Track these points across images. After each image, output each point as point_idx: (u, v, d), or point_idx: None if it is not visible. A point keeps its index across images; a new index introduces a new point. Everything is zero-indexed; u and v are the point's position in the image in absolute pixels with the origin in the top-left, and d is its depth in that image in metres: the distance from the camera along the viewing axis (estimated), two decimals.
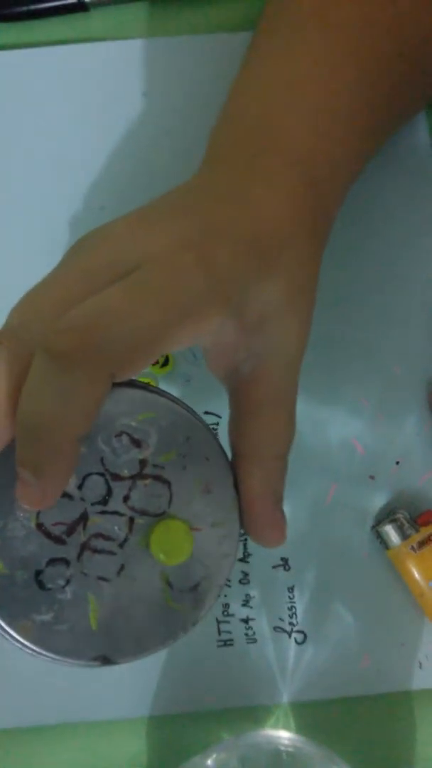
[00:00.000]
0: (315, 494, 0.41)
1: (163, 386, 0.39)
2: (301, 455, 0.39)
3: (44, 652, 0.29)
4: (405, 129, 0.44)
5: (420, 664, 0.40)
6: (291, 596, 0.40)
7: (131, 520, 0.30)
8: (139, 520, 0.30)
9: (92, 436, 0.29)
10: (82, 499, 0.29)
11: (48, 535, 0.29)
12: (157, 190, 0.33)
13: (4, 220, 0.43)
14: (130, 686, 0.39)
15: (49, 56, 0.45)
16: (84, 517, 0.29)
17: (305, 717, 0.39)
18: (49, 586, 0.29)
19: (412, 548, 0.39)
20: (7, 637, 0.29)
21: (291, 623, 0.40)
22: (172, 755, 0.39)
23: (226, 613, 0.40)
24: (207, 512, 0.30)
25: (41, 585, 0.29)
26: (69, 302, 0.28)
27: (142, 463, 0.30)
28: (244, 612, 0.40)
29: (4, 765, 0.39)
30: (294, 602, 0.40)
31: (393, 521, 0.39)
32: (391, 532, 0.39)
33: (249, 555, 0.41)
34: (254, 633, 0.40)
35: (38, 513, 0.29)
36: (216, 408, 0.41)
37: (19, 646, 0.29)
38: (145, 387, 0.30)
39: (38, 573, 0.29)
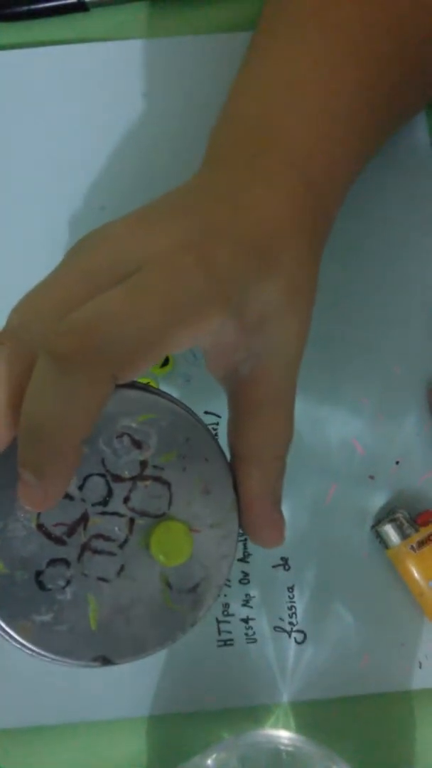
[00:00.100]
0: (315, 494, 0.41)
1: (163, 386, 0.39)
2: (301, 455, 0.39)
3: (44, 653, 0.29)
4: (405, 129, 0.44)
5: (420, 663, 0.40)
6: (291, 596, 0.40)
7: (131, 521, 0.30)
8: (140, 521, 0.30)
9: (93, 437, 0.29)
10: (83, 500, 0.29)
11: (48, 535, 0.29)
12: (158, 190, 0.33)
13: (5, 220, 0.43)
14: (130, 686, 0.39)
15: (49, 56, 0.45)
16: (84, 518, 0.29)
17: (305, 717, 0.39)
18: (49, 586, 0.29)
19: (412, 548, 0.39)
20: (7, 637, 0.29)
21: (291, 623, 0.40)
22: (172, 755, 0.39)
23: (226, 613, 0.40)
24: (206, 513, 0.30)
25: (41, 585, 0.29)
26: (69, 303, 0.28)
27: (143, 464, 0.30)
28: (244, 612, 0.40)
29: (4, 765, 0.39)
30: (294, 602, 0.40)
31: (393, 521, 0.39)
32: (390, 532, 0.39)
33: (249, 555, 0.41)
34: (254, 633, 0.40)
35: (39, 513, 0.29)
36: (216, 408, 0.41)
37: (19, 646, 0.29)
38: (146, 388, 0.30)
39: (38, 573, 0.29)
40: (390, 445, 0.41)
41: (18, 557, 0.29)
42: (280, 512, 0.32)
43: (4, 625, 0.29)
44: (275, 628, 0.40)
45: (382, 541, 0.40)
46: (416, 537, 0.39)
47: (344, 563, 0.40)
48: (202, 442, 0.30)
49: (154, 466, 0.30)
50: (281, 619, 0.40)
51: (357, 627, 0.40)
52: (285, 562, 0.41)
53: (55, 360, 0.26)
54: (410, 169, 0.44)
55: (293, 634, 0.40)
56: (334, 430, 0.42)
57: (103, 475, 0.30)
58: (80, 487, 0.29)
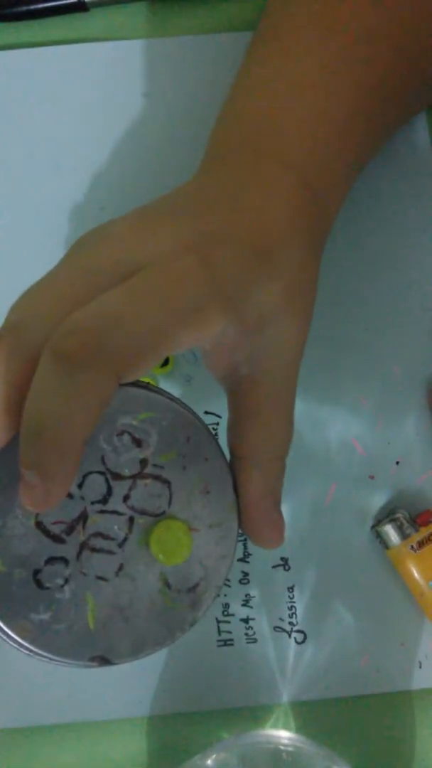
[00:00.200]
0: (315, 494, 0.41)
1: (163, 386, 0.39)
2: (301, 455, 0.39)
3: (41, 652, 0.29)
4: (405, 129, 0.44)
5: (420, 663, 0.40)
6: (291, 596, 0.40)
7: (131, 519, 0.30)
8: (139, 520, 0.30)
9: (94, 434, 0.29)
10: (82, 498, 0.29)
11: (47, 533, 0.29)
12: (158, 191, 0.33)
13: (4, 220, 0.43)
14: (130, 686, 0.39)
15: (49, 56, 0.45)
16: (84, 516, 0.29)
17: (305, 717, 0.39)
18: (48, 585, 0.29)
19: (412, 548, 0.39)
20: (5, 637, 0.29)
21: (291, 623, 0.40)
22: (172, 755, 0.39)
23: (226, 613, 0.40)
24: (206, 513, 0.30)
25: (39, 584, 0.29)
26: (69, 301, 0.28)
27: (143, 462, 0.30)
28: (244, 612, 0.40)
29: (4, 765, 0.39)
30: (294, 602, 0.40)
31: (393, 521, 0.39)
32: (390, 532, 0.39)
33: (249, 555, 0.41)
34: (254, 633, 0.40)
35: None
36: (216, 408, 0.41)
37: (16, 646, 0.29)
38: (147, 386, 0.30)
39: (37, 572, 0.29)
40: (390, 445, 0.41)
41: (16, 555, 0.29)
42: (279, 513, 0.32)
43: (1, 624, 0.29)
44: (275, 628, 0.40)
45: (382, 541, 0.40)
46: (416, 537, 0.39)
47: (344, 563, 0.40)
48: (202, 442, 0.30)
49: (154, 465, 0.30)
50: (281, 619, 0.40)
51: (357, 627, 0.40)
52: (285, 562, 0.41)
53: (59, 360, 0.26)
54: (410, 169, 0.44)
55: (293, 634, 0.40)
56: (334, 430, 0.42)
57: (102, 473, 0.30)
58: (80, 485, 0.29)
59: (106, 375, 0.26)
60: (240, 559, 0.40)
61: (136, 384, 0.30)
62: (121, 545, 0.30)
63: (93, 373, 0.26)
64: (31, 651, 0.29)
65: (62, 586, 0.29)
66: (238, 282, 0.29)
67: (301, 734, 0.39)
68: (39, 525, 0.29)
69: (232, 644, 0.40)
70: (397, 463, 0.41)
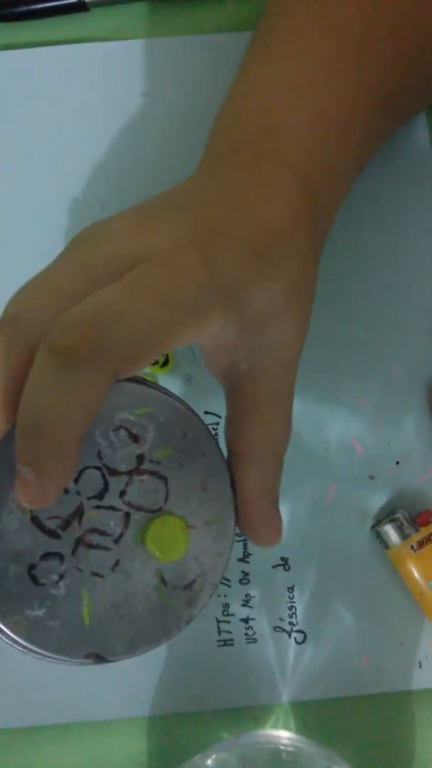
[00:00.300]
0: (315, 494, 0.41)
1: (163, 385, 0.39)
2: (301, 455, 0.39)
3: (36, 649, 0.29)
4: (405, 129, 0.44)
5: (420, 663, 0.40)
6: (291, 596, 0.40)
7: (127, 515, 0.30)
8: (135, 516, 0.30)
9: (90, 429, 0.29)
10: (78, 493, 0.29)
11: (42, 528, 0.29)
12: (157, 190, 0.33)
13: (4, 219, 0.43)
14: (130, 686, 0.39)
15: (49, 56, 0.45)
16: (79, 512, 0.29)
17: (305, 717, 0.39)
18: (43, 580, 0.29)
19: (412, 548, 0.39)
20: None
21: (291, 623, 0.40)
22: (172, 755, 0.39)
23: (226, 613, 0.40)
24: (203, 510, 0.30)
25: (34, 579, 0.29)
26: (68, 295, 0.28)
27: (140, 458, 0.30)
28: (244, 612, 0.40)
29: (4, 765, 0.39)
30: (294, 602, 0.40)
31: (393, 521, 0.39)
32: (390, 532, 0.39)
33: (249, 555, 0.41)
34: (254, 633, 0.40)
35: None
36: (216, 408, 0.41)
37: (10, 642, 0.29)
38: (144, 382, 0.30)
39: (31, 567, 0.29)
40: (390, 445, 0.41)
41: (11, 550, 0.29)
42: (277, 511, 0.32)
43: None
44: (275, 628, 0.40)
45: (382, 541, 0.40)
46: (416, 537, 0.39)
47: (344, 563, 0.40)
48: (199, 438, 0.30)
49: (151, 461, 0.30)
50: (281, 619, 0.40)
51: (357, 627, 0.40)
52: (285, 562, 0.41)
53: (56, 355, 0.26)
54: (410, 169, 0.44)
55: (293, 634, 0.40)
56: (334, 430, 0.42)
57: (99, 469, 0.29)
58: (76, 480, 0.29)
59: (103, 371, 0.26)
60: (240, 559, 0.40)
61: (134, 379, 0.30)
62: (117, 541, 0.30)
63: (90, 369, 0.26)
64: (25, 648, 0.29)
65: (57, 582, 0.29)
66: (238, 280, 0.29)
67: (301, 734, 0.39)
68: (34, 520, 0.29)
69: (232, 644, 0.40)
70: (397, 463, 0.41)
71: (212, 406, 0.41)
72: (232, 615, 0.40)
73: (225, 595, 0.40)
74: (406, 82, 0.39)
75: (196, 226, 0.30)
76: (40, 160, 0.44)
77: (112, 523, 0.30)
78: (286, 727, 0.39)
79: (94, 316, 0.27)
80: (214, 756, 0.36)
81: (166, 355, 0.41)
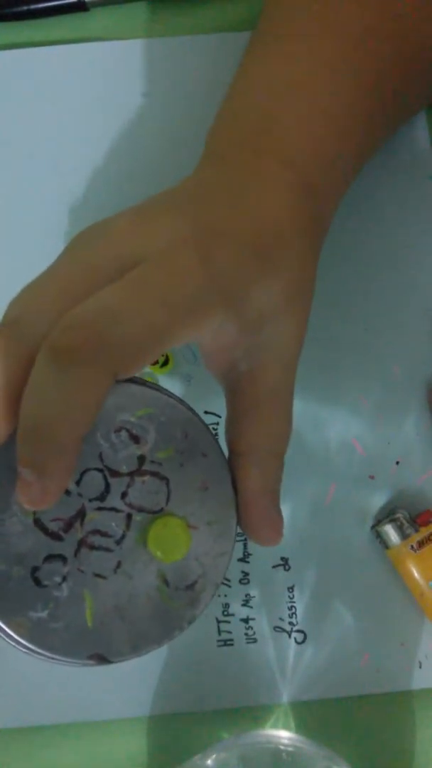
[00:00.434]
0: (315, 494, 0.41)
1: (163, 385, 0.39)
2: (301, 455, 0.39)
3: (39, 651, 0.29)
4: (405, 129, 0.44)
5: (420, 663, 0.40)
6: (291, 596, 0.40)
7: (129, 516, 0.30)
8: (137, 517, 0.30)
9: (91, 431, 0.29)
10: (80, 495, 0.29)
11: (45, 530, 0.29)
12: (158, 190, 0.33)
13: (4, 220, 0.43)
14: (130, 686, 0.39)
15: (49, 56, 0.45)
16: (81, 513, 0.29)
17: (305, 717, 0.39)
18: (46, 582, 0.29)
19: (412, 548, 0.39)
20: (2, 635, 0.29)
21: (291, 623, 0.40)
22: (172, 755, 0.39)
23: (226, 613, 0.40)
24: (204, 510, 0.30)
25: (37, 581, 0.29)
26: (69, 296, 0.28)
27: (141, 459, 0.30)
28: (244, 612, 0.40)
29: (4, 765, 0.39)
30: (294, 602, 0.40)
31: (393, 521, 0.39)
32: (390, 532, 0.39)
33: (249, 555, 0.41)
34: (254, 633, 0.40)
35: None
36: (216, 408, 0.41)
37: (14, 644, 0.29)
38: (145, 383, 0.30)
39: (35, 569, 0.29)
40: (390, 445, 0.41)
41: (14, 553, 0.29)
42: (278, 510, 0.32)
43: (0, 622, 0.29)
44: (275, 628, 0.40)
45: (382, 541, 0.40)
46: (416, 537, 0.39)
47: (344, 563, 0.40)
48: (200, 439, 0.30)
49: (152, 462, 0.30)
50: (281, 619, 0.40)
51: (357, 627, 0.40)
52: (285, 562, 0.41)
53: (56, 357, 0.26)
54: (410, 169, 0.44)
55: (293, 634, 0.40)
56: (334, 430, 0.42)
57: (100, 470, 0.29)
58: (77, 482, 0.29)
59: (103, 371, 0.26)
60: (240, 559, 0.40)
61: (134, 380, 0.30)
62: (119, 542, 0.30)
63: (90, 370, 0.26)
64: (28, 649, 0.29)
65: (60, 584, 0.29)
66: (237, 280, 0.29)
67: (301, 734, 0.39)
68: (37, 522, 0.29)
69: (232, 644, 0.40)
70: (397, 463, 0.41)
71: (212, 406, 0.41)
72: (232, 615, 0.40)
73: (225, 595, 0.40)
74: (406, 82, 0.39)
75: (195, 225, 0.30)
76: (40, 160, 0.44)
77: (113, 524, 0.30)
78: (286, 727, 0.39)
79: (94, 316, 0.27)
80: (214, 756, 0.36)
81: (166, 355, 0.41)
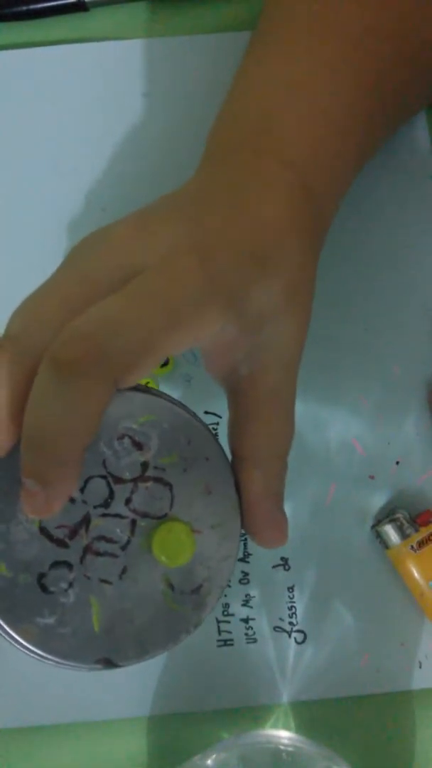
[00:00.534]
0: (315, 494, 0.41)
1: (163, 387, 0.39)
2: (301, 455, 0.39)
3: (47, 656, 0.29)
4: (405, 129, 0.44)
5: (420, 663, 0.40)
6: (291, 596, 0.40)
7: (133, 522, 0.30)
8: (141, 523, 0.30)
9: (94, 439, 0.29)
10: (84, 502, 0.29)
11: (50, 538, 0.29)
12: (158, 190, 0.33)
13: (4, 220, 0.43)
14: (130, 686, 0.39)
15: (49, 56, 0.45)
16: (86, 520, 0.29)
17: (305, 717, 0.39)
18: (52, 589, 0.29)
19: (412, 548, 0.39)
20: (11, 640, 0.29)
21: (291, 623, 0.40)
22: (172, 755, 0.39)
23: (226, 613, 0.40)
24: (208, 514, 0.30)
25: (44, 588, 0.29)
26: (71, 308, 0.28)
27: (144, 465, 0.30)
28: (244, 612, 0.40)
29: (4, 765, 0.39)
30: (294, 602, 0.40)
31: (393, 521, 0.39)
32: (390, 532, 0.39)
33: (249, 555, 0.41)
34: (254, 633, 0.40)
35: None
36: (216, 408, 0.41)
37: (23, 650, 0.29)
38: (146, 389, 0.30)
39: (41, 576, 0.29)
40: (390, 445, 0.41)
41: (21, 560, 0.29)
42: (282, 512, 0.32)
43: (8, 628, 0.29)
44: (275, 628, 0.40)
45: (382, 541, 0.40)
46: (416, 537, 0.39)
47: (344, 563, 0.40)
48: (203, 443, 0.30)
49: (156, 467, 0.30)
50: (281, 619, 0.40)
51: (357, 627, 0.40)
52: (285, 562, 0.41)
53: (57, 368, 0.26)
54: (410, 169, 0.44)
55: (293, 634, 0.40)
56: (334, 430, 0.42)
57: (104, 477, 0.29)
58: (82, 489, 0.29)
59: (105, 381, 0.26)
60: (240, 559, 0.40)
61: (136, 387, 0.30)
62: (124, 548, 0.30)
63: (92, 380, 0.26)
64: (37, 655, 0.29)
65: (66, 590, 0.29)
66: (237, 281, 0.29)
67: (301, 734, 0.39)
68: (42, 530, 0.29)
69: (232, 644, 0.40)
70: (397, 463, 0.41)
71: (212, 406, 0.41)
72: (232, 615, 0.40)
73: (225, 595, 0.40)
74: (406, 82, 0.39)
75: (195, 230, 0.30)
76: (40, 160, 0.44)
77: (118, 530, 0.30)
78: (286, 727, 0.39)
79: (94, 327, 0.27)
80: (214, 756, 0.36)
81: (166, 358, 0.41)
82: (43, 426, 0.26)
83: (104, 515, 0.30)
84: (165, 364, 0.41)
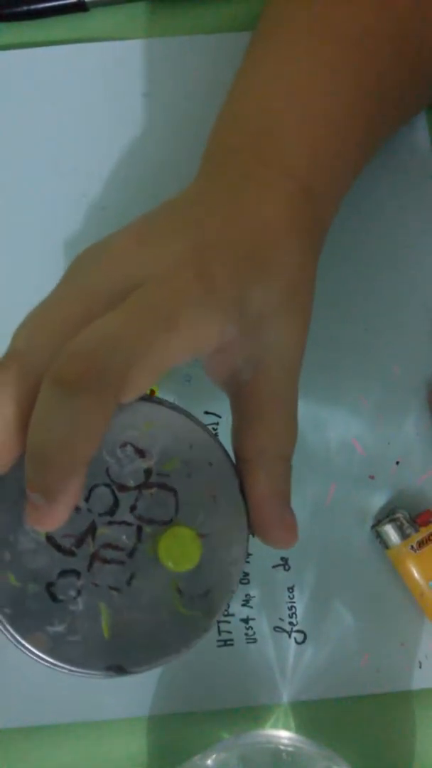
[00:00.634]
0: (315, 494, 0.41)
1: (163, 387, 0.39)
2: (301, 455, 0.39)
3: (59, 664, 0.30)
4: (405, 129, 0.44)
5: (420, 663, 0.40)
6: (291, 596, 0.40)
7: (139, 529, 0.30)
8: (147, 529, 0.30)
9: (97, 448, 0.29)
10: (90, 511, 0.30)
11: (58, 547, 0.29)
12: (158, 190, 0.33)
13: (4, 220, 0.43)
14: (130, 686, 0.39)
15: (49, 56, 0.45)
16: (92, 528, 0.30)
17: (305, 717, 0.39)
18: (61, 597, 0.29)
19: (412, 548, 0.39)
20: (23, 649, 0.29)
21: (291, 623, 0.40)
22: (172, 755, 0.39)
23: (226, 613, 0.40)
24: (214, 518, 0.31)
25: (53, 597, 0.29)
26: (71, 325, 0.28)
27: (147, 472, 0.30)
28: (244, 612, 0.40)
29: (4, 765, 0.39)
30: (294, 602, 0.40)
31: (393, 521, 0.39)
32: (390, 532, 0.39)
33: (249, 555, 0.40)
34: (254, 633, 0.40)
35: None
36: (216, 408, 0.41)
37: (35, 658, 0.30)
38: (147, 397, 0.30)
39: (50, 585, 0.29)
40: (390, 445, 0.41)
41: (29, 570, 0.29)
42: (290, 512, 0.32)
43: (19, 637, 0.29)
44: (275, 628, 0.40)
45: (382, 541, 0.40)
46: (416, 537, 0.39)
47: (344, 563, 0.40)
48: (205, 448, 0.31)
49: (159, 474, 0.30)
50: (281, 619, 0.40)
51: (357, 627, 0.40)
52: (285, 562, 0.41)
53: (60, 385, 0.26)
54: (410, 170, 0.44)
55: (293, 634, 0.40)
56: (334, 430, 0.42)
57: (108, 485, 0.30)
58: (86, 498, 0.30)
59: (107, 398, 0.27)
60: None
61: None
62: (130, 555, 0.30)
63: (94, 397, 0.26)
64: (49, 663, 0.30)
65: (75, 598, 0.29)
66: (236, 291, 0.30)
67: (301, 734, 0.39)
68: (49, 539, 0.29)
69: (232, 644, 0.40)
70: (397, 463, 0.41)
71: (212, 406, 0.41)
72: (232, 615, 0.40)
73: None
74: (406, 82, 0.39)
75: (193, 241, 0.30)
76: (40, 161, 0.44)
77: (124, 537, 0.30)
78: (286, 727, 0.39)
79: (95, 344, 0.27)
80: (214, 756, 0.36)
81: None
82: (46, 442, 0.27)
83: (110, 523, 0.30)
84: None
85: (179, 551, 0.30)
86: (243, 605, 0.40)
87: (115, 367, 0.27)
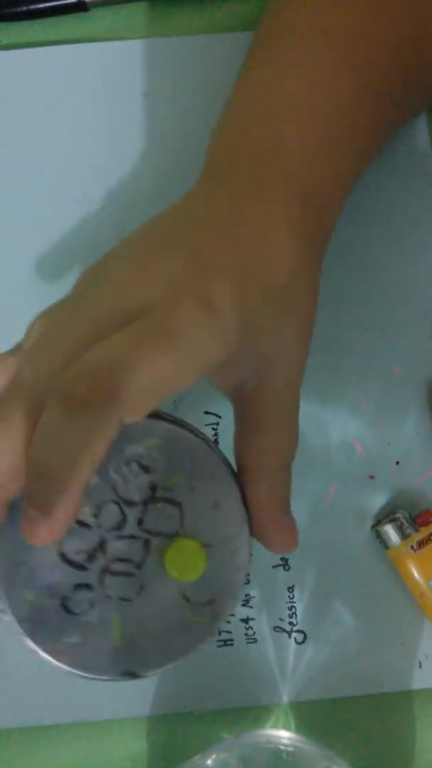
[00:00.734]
0: (315, 494, 0.41)
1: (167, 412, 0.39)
2: (301, 455, 0.39)
3: (76, 671, 0.31)
4: (405, 130, 0.44)
5: (420, 663, 0.40)
6: (291, 596, 0.40)
7: (147, 542, 0.31)
8: (154, 541, 0.31)
9: (104, 465, 0.30)
10: (99, 527, 0.30)
11: (70, 563, 0.30)
12: (157, 190, 0.33)
13: (4, 220, 0.43)
14: (130, 686, 0.39)
15: (49, 56, 0.45)
16: (102, 544, 0.31)
17: (305, 717, 0.39)
18: (76, 610, 0.30)
19: (412, 548, 0.39)
20: (42, 659, 0.30)
21: (291, 623, 0.40)
22: (172, 755, 0.39)
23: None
24: (217, 528, 0.31)
25: (68, 610, 0.30)
26: (74, 351, 0.28)
27: (153, 487, 0.31)
28: (244, 612, 0.40)
29: (4, 765, 0.39)
30: (294, 602, 0.40)
31: (393, 521, 0.39)
32: (390, 532, 0.39)
33: (249, 555, 0.41)
34: (254, 633, 0.40)
35: (61, 543, 0.30)
36: (216, 408, 0.41)
37: (54, 666, 0.30)
38: (151, 414, 0.30)
39: (64, 599, 0.30)
40: (390, 445, 0.41)
41: (44, 585, 0.30)
42: (290, 517, 0.33)
43: (38, 649, 0.30)
44: (275, 628, 0.40)
45: (382, 541, 0.40)
46: (416, 537, 0.39)
47: (344, 563, 0.40)
48: (207, 460, 0.31)
49: (164, 488, 0.31)
50: (281, 619, 0.40)
51: (357, 627, 0.40)
52: (285, 563, 0.41)
53: (65, 405, 0.27)
54: (410, 171, 0.44)
55: (293, 634, 0.40)
56: (334, 430, 0.42)
57: (116, 502, 0.30)
58: (96, 515, 0.30)
59: (110, 419, 0.27)
60: None
61: None
62: (139, 567, 0.31)
63: (98, 419, 0.27)
64: (66, 670, 0.31)
65: (89, 610, 0.30)
66: (237, 308, 0.30)
67: (301, 734, 0.39)
68: (62, 556, 0.30)
69: (232, 644, 0.40)
70: (397, 463, 0.41)
71: (212, 406, 0.41)
72: (232, 615, 0.40)
73: None
74: (407, 84, 0.39)
75: (192, 262, 0.30)
76: (39, 161, 0.44)
77: (133, 550, 0.31)
78: (286, 727, 0.39)
79: (100, 365, 0.27)
80: (214, 756, 0.36)
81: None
82: (47, 460, 0.27)
83: (119, 537, 0.31)
84: None
85: (184, 562, 0.31)
86: (243, 605, 0.40)
87: (120, 390, 0.27)
